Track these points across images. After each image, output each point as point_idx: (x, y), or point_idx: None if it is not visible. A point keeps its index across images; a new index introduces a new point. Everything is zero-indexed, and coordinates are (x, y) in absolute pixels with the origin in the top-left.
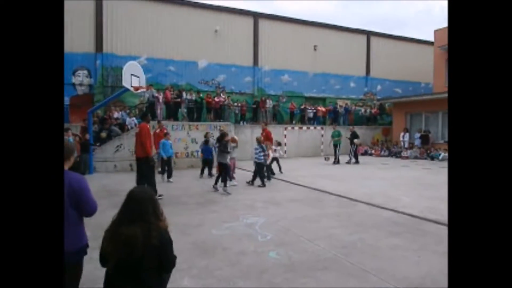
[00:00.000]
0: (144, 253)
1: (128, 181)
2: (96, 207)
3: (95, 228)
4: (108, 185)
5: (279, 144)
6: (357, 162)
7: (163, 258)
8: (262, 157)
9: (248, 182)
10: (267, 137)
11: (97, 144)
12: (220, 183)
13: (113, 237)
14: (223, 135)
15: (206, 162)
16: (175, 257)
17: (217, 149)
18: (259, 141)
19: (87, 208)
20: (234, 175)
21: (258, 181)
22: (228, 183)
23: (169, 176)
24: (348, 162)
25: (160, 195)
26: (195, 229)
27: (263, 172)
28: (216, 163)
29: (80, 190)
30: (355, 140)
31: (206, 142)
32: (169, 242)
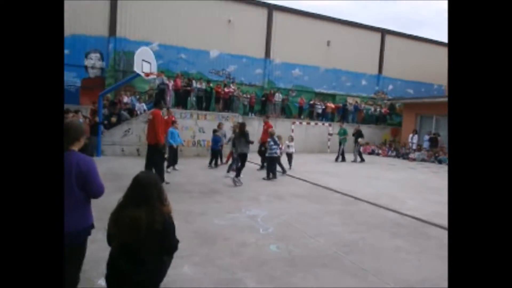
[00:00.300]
0: (147, 236)
1: (135, 166)
2: (103, 189)
3: (101, 210)
4: (115, 168)
5: (292, 139)
6: (362, 160)
7: (166, 242)
8: (276, 151)
9: (263, 178)
10: (264, 130)
11: (105, 122)
12: (231, 172)
13: (118, 219)
14: (243, 125)
15: (214, 153)
16: (177, 241)
17: (236, 140)
18: (272, 134)
19: (94, 189)
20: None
21: (263, 173)
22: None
23: (174, 163)
24: (354, 161)
25: (167, 182)
26: (198, 217)
27: (275, 166)
28: (231, 152)
29: (87, 171)
30: (359, 139)
31: (214, 131)
32: (172, 226)
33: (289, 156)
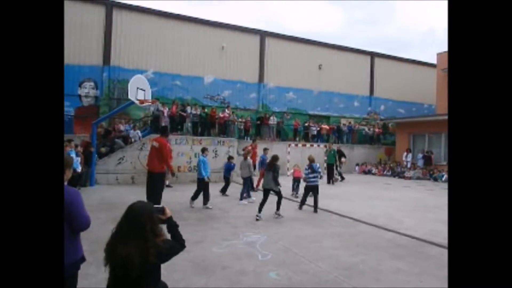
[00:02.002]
0: (142, 272)
1: (129, 194)
2: (88, 223)
3: (94, 242)
4: (109, 197)
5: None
6: (342, 179)
7: (172, 256)
8: (315, 179)
9: (300, 207)
10: (253, 153)
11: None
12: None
13: (109, 257)
14: (275, 158)
15: (226, 180)
16: (182, 244)
17: (269, 173)
18: (311, 161)
19: (78, 222)
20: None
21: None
22: (248, 198)
23: (207, 200)
24: (335, 180)
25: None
26: (194, 246)
27: (307, 195)
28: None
29: (70, 203)
30: (342, 159)
31: (229, 158)
32: (171, 248)
33: (298, 181)
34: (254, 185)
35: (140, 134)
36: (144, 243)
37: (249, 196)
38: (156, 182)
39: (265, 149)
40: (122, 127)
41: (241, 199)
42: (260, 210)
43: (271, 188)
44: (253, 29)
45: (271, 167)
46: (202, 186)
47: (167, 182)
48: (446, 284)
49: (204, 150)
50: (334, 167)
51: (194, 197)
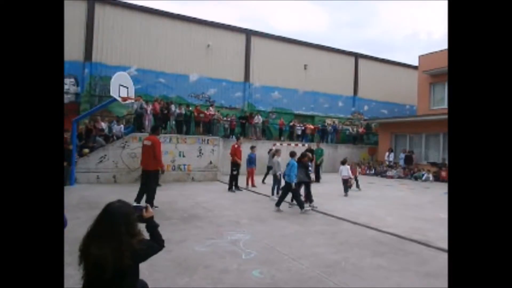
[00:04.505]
0: (117, 273)
1: (111, 194)
2: (65, 223)
3: (72, 243)
4: (89, 197)
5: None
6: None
7: (149, 257)
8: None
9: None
10: (236, 153)
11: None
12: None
13: (82, 257)
14: (304, 155)
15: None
16: (161, 244)
17: (302, 170)
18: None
19: None
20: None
21: (234, 195)
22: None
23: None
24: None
25: (156, 207)
26: (177, 245)
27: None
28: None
29: None
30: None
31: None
32: (148, 248)
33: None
34: (250, 183)
35: (123, 130)
36: (119, 245)
37: (277, 192)
38: (150, 179)
39: (252, 147)
40: (103, 125)
41: (272, 194)
42: (307, 201)
43: (303, 181)
44: (239, 28)
45: (302, 163)
46: (289, 191)
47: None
48: (425, 280)
49: (293, 154)
50: (320, 166)
51: (279, 203)
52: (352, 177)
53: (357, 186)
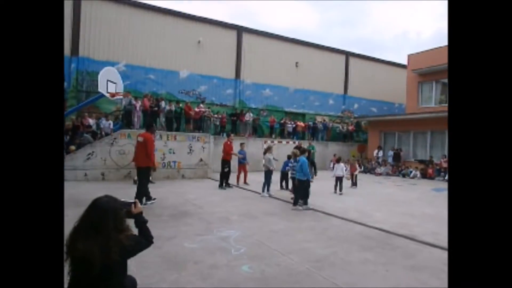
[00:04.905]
0: (104, 269)
1: (98, 191)
2: None
3: None
4: (76, 194)
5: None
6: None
7: (137, 252)
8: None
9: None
10: (228, 148)
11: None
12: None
13: (69, 252)
14: (304, 151)
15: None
16: (149, 240)
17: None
18: (295, 155)
19: None
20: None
21: (225, 192)
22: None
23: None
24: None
25: (153, 199)
26: (167, 241)
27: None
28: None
29: None
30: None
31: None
32: (136, 244)
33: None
34: (242, 180)
35: (112, 125)
36: (106, 240)
37: (267, 189)
38: (142, 176)
39: (241, 144)
40: (91, 121)
41: (263, 191)
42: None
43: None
44: (231, 24)
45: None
46: (306, 186)
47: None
48: (411, 273)
49: (304, 151)
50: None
51: (296, 202)
52: (348, 176)
53: (355, 183)
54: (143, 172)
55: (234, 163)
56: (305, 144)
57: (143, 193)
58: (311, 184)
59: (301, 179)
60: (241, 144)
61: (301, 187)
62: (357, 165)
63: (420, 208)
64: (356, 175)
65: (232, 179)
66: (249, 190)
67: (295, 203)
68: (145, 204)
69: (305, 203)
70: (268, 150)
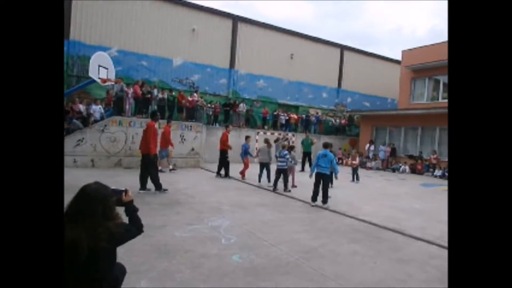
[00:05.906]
0: (92, 256)
1: (88, 178)
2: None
3: None
4: (65, 181)
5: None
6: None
7: (127, 241)
8: (283, 164)
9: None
10: (225, 139)
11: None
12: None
13: None
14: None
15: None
16: (139, 228)
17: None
18: (283, 147)
19: None
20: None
21: (223, 181)
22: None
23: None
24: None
25: (165, 189)
26: (157, 230)
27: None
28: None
29: None
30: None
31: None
32: (125, 232)
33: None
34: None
35: (102, 110)
36: (94, 227)
37: (268, 180)
38: (145, 163)
39: (246, 137)
40: (81, 107)
41: (259, 181)
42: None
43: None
44: (226, 12)
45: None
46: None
47: (159, 168)
48: (398, 265)
49: (327, 145)
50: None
51: (315, 198)
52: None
53: (357, 178)
54: (147, 160)
55: (237, 156)
56: (301, 137)
57: (156, 181)
58: (302, 176)
59: (327, 174)
60: (246, 138)
61: (326, 183)
62: (357, 158)
63: (409, 202)
64: (357, 170)
65: (234, 173)
66: (241, 181)
67: (274, 190)
68: (144, 191)
69: (326, 201)
70: (267, 143)
